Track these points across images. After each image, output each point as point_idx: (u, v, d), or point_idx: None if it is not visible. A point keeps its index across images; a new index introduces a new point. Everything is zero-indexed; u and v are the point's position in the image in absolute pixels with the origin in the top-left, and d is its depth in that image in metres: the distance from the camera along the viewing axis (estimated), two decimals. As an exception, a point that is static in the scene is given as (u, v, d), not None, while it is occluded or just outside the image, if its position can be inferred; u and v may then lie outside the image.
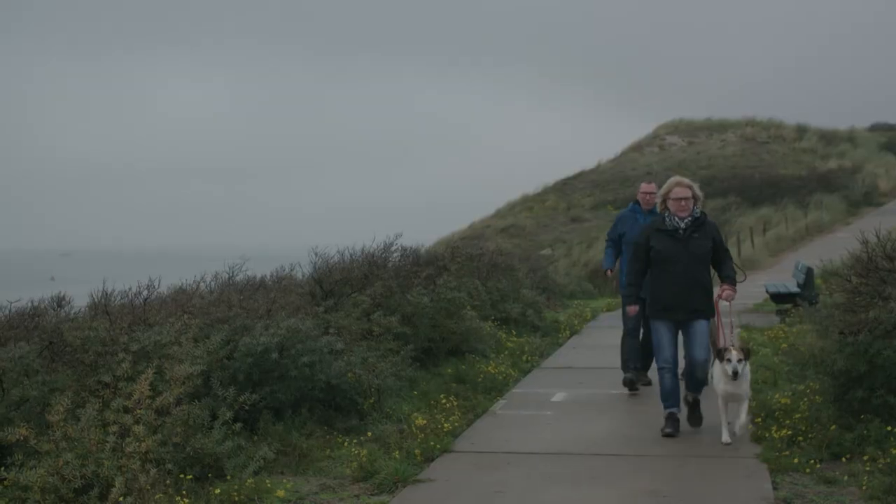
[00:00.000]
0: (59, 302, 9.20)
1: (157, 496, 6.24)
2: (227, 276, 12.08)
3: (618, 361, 11.05)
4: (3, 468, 6.29)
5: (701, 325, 8.44)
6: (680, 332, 8.59)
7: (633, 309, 9.13)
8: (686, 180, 8.61)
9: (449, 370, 11.63)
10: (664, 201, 8.63)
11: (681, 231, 8.43)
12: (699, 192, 8.60)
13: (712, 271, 8.78)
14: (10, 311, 9.14)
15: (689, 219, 8.45)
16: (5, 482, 6.23)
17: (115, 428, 6.61)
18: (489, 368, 11.84)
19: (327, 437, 8.42)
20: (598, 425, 9.11)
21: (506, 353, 13.39)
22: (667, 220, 8.50)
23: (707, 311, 8.49)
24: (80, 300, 9.57)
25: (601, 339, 15.79)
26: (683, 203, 8.42)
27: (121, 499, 6.06)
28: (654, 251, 8.49)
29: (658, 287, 8.52)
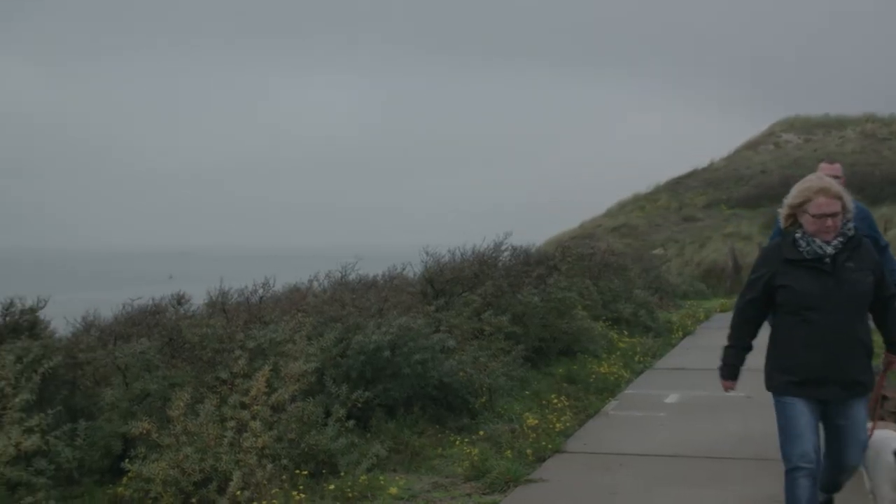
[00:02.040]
0: (179, 300, 9.44)
1: (273, 491, 6.34)
2: (339, 275, 12.24)
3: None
4: (127, 460, 6.48)
5: (859, 411, 5.42)
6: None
7: (728, 385, 5.98)
8: (835, 185, 5.39)
9: (560, 370, 11.57)
10: (792, 214, 5.47)
11: (827, 260, 5.30)
12: (850, 202, 5.44)
13: None
14: (132, 308, 9.45)
15: (840, 240, 5.33)
16: (129, 474, 6.43)
17: (232, 423, 6.74)
18: (601, 369, 11.75)
19: (439, 435, 8.45)
20: (713, 428, 8.94)
21: (617, 353, 13.27)
22: (801, 242, 5.36)
23: (869, 383, 5.44)
24: (197, 298, 9.81)
25: (715, 340, 15.45)
26: (830, 223, 5.29)
27: (238, 492, 6.19)
28: (786, 292, 5.37)
29: (791, 348, 5.41)
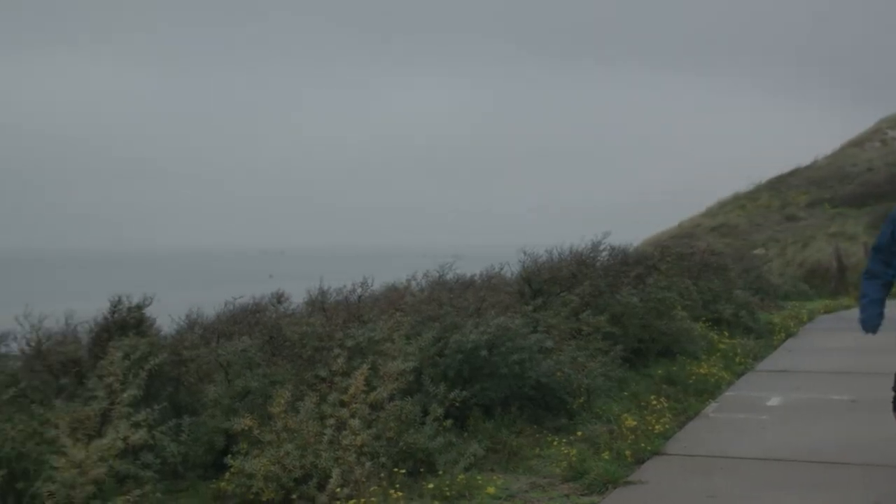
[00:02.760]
0: (279, 298, 9.60)
1: (371, 488, 6.39)
2: (437, 274, 12.28)
3: (841, 365, 10.50)
4: (229, 456, 6.60)
5: None
6: None
7: None
8: None
9: (659, 371, 11.43)
10: None
11: None
12: None
13: None
14: (234, 306, 9.64)
15: None
16: (232, 469, 6.54)
17: (331, 421, 6.82)
18: (700, 370, 11.57)
19: (536, 435, 8.41)
20: (817, 432, 8.73)
21: (718, 354, 13.05)
22: None
23: None
24: (296, 297, 9.95)
25: (819, 342, 15.16)
26: None
27: (338, 490, 6.25)
28: None
29: None
